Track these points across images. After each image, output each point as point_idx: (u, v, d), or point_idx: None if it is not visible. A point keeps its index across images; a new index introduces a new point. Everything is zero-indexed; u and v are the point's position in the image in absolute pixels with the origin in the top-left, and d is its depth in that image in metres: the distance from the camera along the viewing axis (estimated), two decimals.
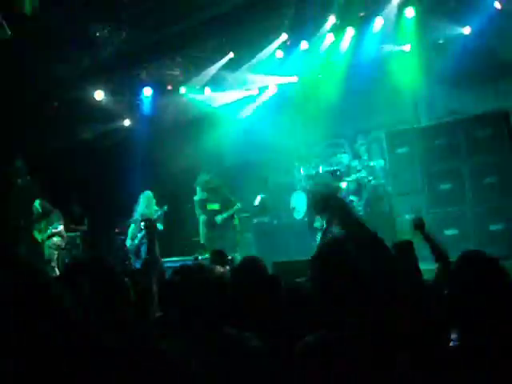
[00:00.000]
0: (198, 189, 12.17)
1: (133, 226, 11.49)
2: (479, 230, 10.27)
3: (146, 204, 11.33)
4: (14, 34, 7.94)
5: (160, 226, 10.99)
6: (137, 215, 11.38)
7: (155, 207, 11.28)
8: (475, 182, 10.51)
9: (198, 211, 12.20)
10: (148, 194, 11.39)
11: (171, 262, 11.09)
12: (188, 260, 10.43)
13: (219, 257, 6.91)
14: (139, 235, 11.15)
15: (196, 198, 12.23)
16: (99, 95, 12.96)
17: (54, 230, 11.77)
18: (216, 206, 11.96)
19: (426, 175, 10.98)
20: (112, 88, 13.13)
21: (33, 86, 11.04)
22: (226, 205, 12.02)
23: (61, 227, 11.91)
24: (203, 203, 12.07)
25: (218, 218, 11.94)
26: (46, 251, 11.62)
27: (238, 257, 10.61)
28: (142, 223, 10.85)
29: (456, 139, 10.69)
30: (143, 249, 10.99)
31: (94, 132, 13.64)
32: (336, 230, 10.20)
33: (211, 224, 11.90)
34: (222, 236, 11.72)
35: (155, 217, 10.97)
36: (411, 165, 11.23)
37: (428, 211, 10.83)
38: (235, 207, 12.06)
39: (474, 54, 11.06)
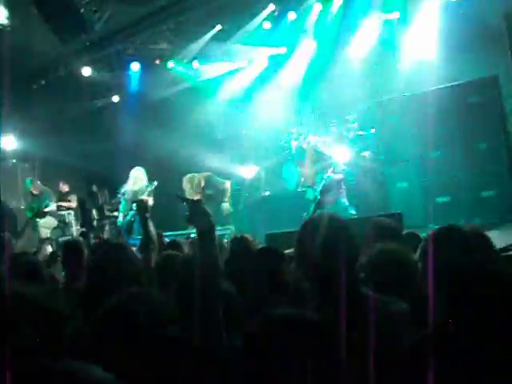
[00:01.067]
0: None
1: (123, 202, 11.49)
2: (471, 196, 10.29)
3: (134, 180, 11.31)
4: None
5: (150, 201, 10.99)
6: (127, 191, 11.37)
7: (146, 183, 11.25)
8: (466, 148, 10.50)
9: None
10: (138, 169, 11.36)
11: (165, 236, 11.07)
12: (182, 234, 10.43)
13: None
14: (131, 212, 11.15)
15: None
16: (87, 71, 12.87)
17: (45, 209, 11.77)
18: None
19: (417, 143, 10.97)
20: (99, 64, 13.04)
21: (19, 63, 10.94)
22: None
23: (52, 205, 11.90)
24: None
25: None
26: (40, 230, 11.64)
27: (233, 228, 10.67)
28: (134, 204, 10.83)
29: (447, 106, 10.66)
30: (135, 226, 10.98)
31: (82, 108, 13.55)
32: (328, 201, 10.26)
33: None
34: (214, 210, 11.69)
35: (146, 194, 10.95)
36: (402, 133, 11.21)
37: (420, 179, 10.85)
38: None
39: (463, 21, 10.98)
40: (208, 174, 11.63)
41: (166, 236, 10.89)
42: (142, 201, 10.68)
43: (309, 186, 10.75)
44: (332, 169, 10.61)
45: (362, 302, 2.61)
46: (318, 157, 10.76)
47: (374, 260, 3.26)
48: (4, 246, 5.97)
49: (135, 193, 11.30)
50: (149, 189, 11.08)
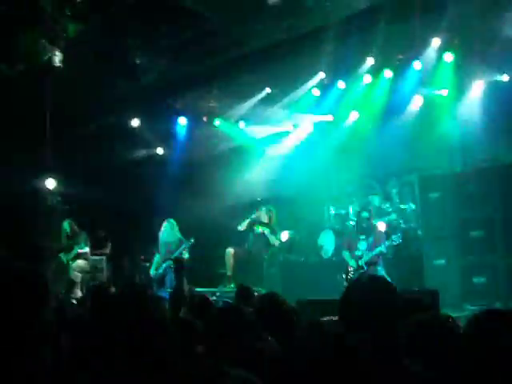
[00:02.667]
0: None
1: (157, 256, 11.60)
2: (508, 279, 10.05)
3: (168, 231, 11.46)
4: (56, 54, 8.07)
5: (186, 255, 11.07)
6: (161, 243, 11.50)
7: (179, 235, 11.39)
8: (507, 231, 10.31)
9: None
10: (171, 221, 11.54)
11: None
12: (214, 291, 10.41)
13: (245, 292, 6.81)
14: (164, 265, 11.26)
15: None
16: (135, 122, 13.11)
17: (79, 251, 11.82)
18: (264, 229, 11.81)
19: (457, 221, 10.81)
20: (148, 115, 13.26)
21: (69, 106, 11.18)
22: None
23: (87, 249, 11.96)
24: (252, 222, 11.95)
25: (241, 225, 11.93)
26: (71, 273, 11.66)
27: (263, 292, 10.52)
28: (169, 261, 10.94)
29: (489, 187, 10.54)
30: (168, 278, 11.01)
31: (127, 158, 13.72)
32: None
33: (239, 257, 11.78)
34: (248, 269, 11.62)
35: (180, 249, 11.09)
36: (443, 210, 11.07)
37: (457, 258, 10.66)
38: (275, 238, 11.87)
39: (510, 102, 10.97)
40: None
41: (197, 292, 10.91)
42: (181, 260, 10.79)
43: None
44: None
45: (401, 373, 2.52)
46: (361, 227, 10.56)
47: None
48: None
49: (168, 244, 11.40)
50: (184, 246, 11.22)
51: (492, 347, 2.42)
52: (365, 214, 10.53)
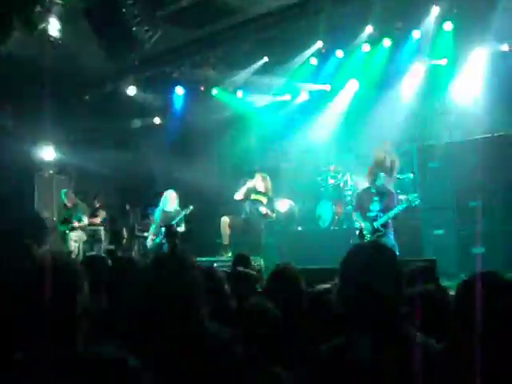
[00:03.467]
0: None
1: (153, 226, 11.56)
2: (508, 249, 10.07)
3: (167, 203, 11.40)
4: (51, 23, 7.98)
5: (181, 227, 11.05)
6: (158, 214, 11.45)
7: (177, 207, 11.33)
8: (506, 200, 10.31)
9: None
10: (171, 192, 11.45)
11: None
12: (211, 261, 10.38)
13: (243, 261, 6.81)
14: (161, 235, 11.19)
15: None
16: (131, 91, 13.03)
17: (76, 223, 11.82)
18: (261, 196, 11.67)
19: (456, 191, 10.81)
20: (144, 84, 13.18)
21: (66, 76, 11.11)
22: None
23: (85, 220, 11.96)
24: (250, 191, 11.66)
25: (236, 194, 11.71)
26: (68, 243, 11.68)
27: (262, 261, 10.53)
28: (163, 229, 10.89)
29: (489, 157, 10.50)
30: (164, 248, 10.99)
31: (125, 127, 13.69)
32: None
33: (235, 225, 11.72)
34: (245, 239, 11.62)
35: (177, 219, 11.02)
36: (441, 180, 11.05)
37: (456, 228, 10.67)
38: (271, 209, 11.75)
39: (510, 73, 10.90)
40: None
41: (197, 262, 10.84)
42: (171, 226, 10.77)
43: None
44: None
45: (404, 340, 2.53)
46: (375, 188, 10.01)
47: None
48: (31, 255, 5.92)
49: (166, 215, 11.35)
50: (183, 213, 11.16)
51: (480, 309, 2.42)
52: (382, 175, 10.07)
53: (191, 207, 11.22)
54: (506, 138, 10.63)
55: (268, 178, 11.62)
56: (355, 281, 2.57)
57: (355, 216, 10.27)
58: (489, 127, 11.07)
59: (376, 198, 9.87)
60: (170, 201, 11.48)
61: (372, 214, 9.83)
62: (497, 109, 11.16)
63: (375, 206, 9.85)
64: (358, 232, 10.00)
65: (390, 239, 9.66)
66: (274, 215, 11.55)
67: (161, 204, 11.58)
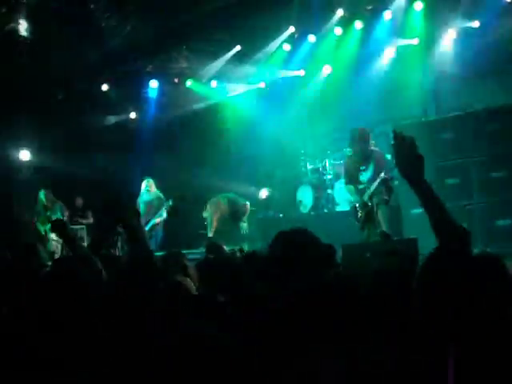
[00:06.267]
0: None
1: None
2: (486, 225, 10.16)
3: (147, 190, 11.45)
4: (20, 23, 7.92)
5: (164, 214, 11.11)
6: (140, 202, 11.47)
7: (159, 193, 11.40)
8: (482, 176, 10.38)
9: None
10: (149, 179, 11.55)
11: None
12: (196, 253, 10.38)
13: (216, 250, 6.81)
14: (148, 226, 11.19)
15: None
16: (105, 87, 12.95)
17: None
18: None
19: (432, 169, 10.87)
20: (118, 80, 13.10)
21: (38, 76, 11.02)
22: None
23: (65, 219, 11.89)
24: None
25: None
26: (49, 244, 11.60)
27: (245, 247, 10.57)
28: (154, 221, 10.97)
29: (464, 133, 10.57)
30: (153, 240, 11.05)
31: (100, 124, 13.60)
32: None
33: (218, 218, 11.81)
34: (227, 229, 11.67)
35: (163, 209, 11.10)
36: None
37: None
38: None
39: (482, 48, 10.96)
40: (231, 194, 11.72)
41: None
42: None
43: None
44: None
45: None
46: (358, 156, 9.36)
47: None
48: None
49: (147, 204, 11.41)
50: (164, 206, 11.23)
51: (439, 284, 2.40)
52: (358, 135, 9.14)
53: (170, 202, 11.28)
54: (480, 114, 10.69)
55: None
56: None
57: (347, 190, 9.64)
58: (463, 103, 11.15)
59: (362, 167, 9.21)
60: (149, 188, 11.56)
61: (361, 187, 9.18)
62: (470, 85, 11.25)
63: (363, 176, 9.21)
64: (352, 208, 9.42)
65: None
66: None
67: (140, 193, 11.63)
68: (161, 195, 11.60)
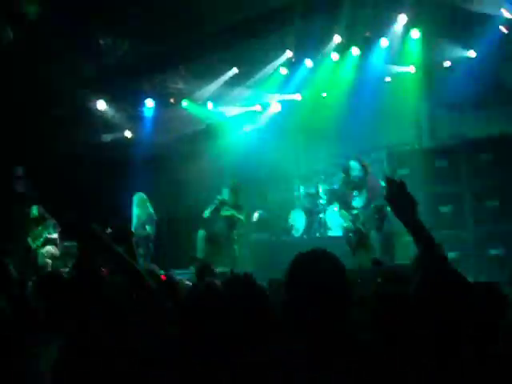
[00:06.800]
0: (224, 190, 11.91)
1: None
2: (479, 254, 10.16)
3: (138, 204, 11.39)
4: (16, 39, 7.91)
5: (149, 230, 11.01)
6: (134, 218, 11.40)
7: (150, 209, 11.31)
8: (476, 205, 10.40)
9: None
10: (140, 195, 11.50)
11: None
12: (185, 273, 10.29)
13: (207, 270, 6.77)
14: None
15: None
16: (101, 105, 12.93)
17: (48, 236, 11.66)
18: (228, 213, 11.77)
19: (426, 196, 10.87)
20: (114, 98, 13.09)
21: (34, 93, 11.00)
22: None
23: (55, 235, 11.80)
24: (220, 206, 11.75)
25: (206, 213, 11.72)
26: (41, 259, 11.51)
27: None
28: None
29: (457, 162, 10.61)
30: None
31: (95, 141, 13.56)
32: None
33: (210, 239, 11.75)
34: (219, 252, 11.61)
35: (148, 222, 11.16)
36: (412, 186, 11.03)
37: None
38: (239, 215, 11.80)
39: (478, 78, 11.03)
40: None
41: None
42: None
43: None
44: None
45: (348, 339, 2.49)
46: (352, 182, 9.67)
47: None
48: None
49: (137, 217, 11.35)
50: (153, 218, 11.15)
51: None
52: (354, 164, 9.40)
53: (155, 218, 11.25)
54: (474, 144, 10.75)
55: (237, 190, 11.66)
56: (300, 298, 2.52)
57: (340, 215, 9.89)
58: (457, 132, 11.20)
59: (356, 193, 9.42)
60: (140, 203, 11.49)
61: (354, 212, 9.36)
62: (464, 113, 11.30)
63: (357, 202, 9.41)
64: (345, 233, 9.52)
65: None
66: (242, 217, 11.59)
67: (132, 208, 11.57)
68: (152, 212, 11.50)
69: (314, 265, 2.53)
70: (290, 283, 2.59)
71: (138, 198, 11.59)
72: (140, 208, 11.51)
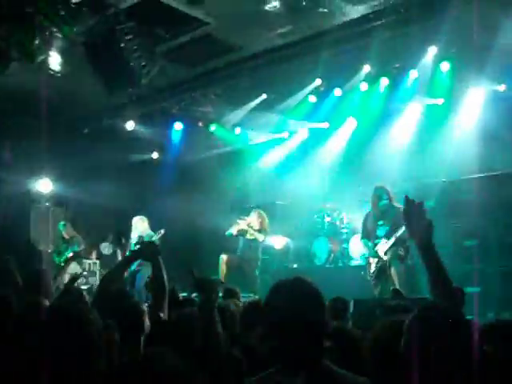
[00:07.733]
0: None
1: (128, 252, 11.30)
2: (502, 289, 10.01)
3: (138, 226, 11.27)
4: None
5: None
6: (133, 239, 11.29)
7: (149, 230, 11.20)
8: (501, 239, 10.29)
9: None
10: (141, 217, 11.48)
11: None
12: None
13: (232, 294, 6.78)
14: (135, 262, 10.89)
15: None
16: (130, 125, 13.07)
17: (72, 254, 11.77)
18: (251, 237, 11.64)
19: (451, 230, 10.78)
20: (143, 119, 13.24)
21: (65, 110, 11.18)
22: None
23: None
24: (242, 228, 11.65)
25: (228, 233, 11.68)
26: (64, 276, 11.61)
27: (256, 297, 10.43)
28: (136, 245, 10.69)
29: (484, 195, 10.51)
30: (138, 277, 10.65)
31: (123, 161, 13.71)
32: None
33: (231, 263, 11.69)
34: (240, 275, 11.57)
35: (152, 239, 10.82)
36: (437, 219, 10.97)
37: (450, 267, 10.58)
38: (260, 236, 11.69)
39: (508, 111, 10.96)
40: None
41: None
42: (143, 241, 10.08)
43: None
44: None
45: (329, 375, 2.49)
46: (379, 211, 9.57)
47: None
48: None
49: (139, 239, 11.29)
50: (153, 238, 10.92)
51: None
52: (381, 194, 9.37)
53: (162, 231, 11.05)
54: (501, 177, 10.65)
55: (264, 214, 11.62)
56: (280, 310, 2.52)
57: (363, 243, 9.79)
58: (485, 165, 11.11)
59: (380, 222, 9.40)
60: (140, 224, 11.41)
61: (377, 241, 9.33)
62: (493, 147, 11.21)
63: (380, 231, 9.38)
64: (366, 263, 9.52)
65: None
66: (262, 238, 11.49)
67: (132, 230, 11.47)
68: (152, 233, 11.37)
69: (289, 292, 2.55)
70: (265, 308, 2.60)
71: (141, 221, 11.50)
72: (143, 230, 11.39)
